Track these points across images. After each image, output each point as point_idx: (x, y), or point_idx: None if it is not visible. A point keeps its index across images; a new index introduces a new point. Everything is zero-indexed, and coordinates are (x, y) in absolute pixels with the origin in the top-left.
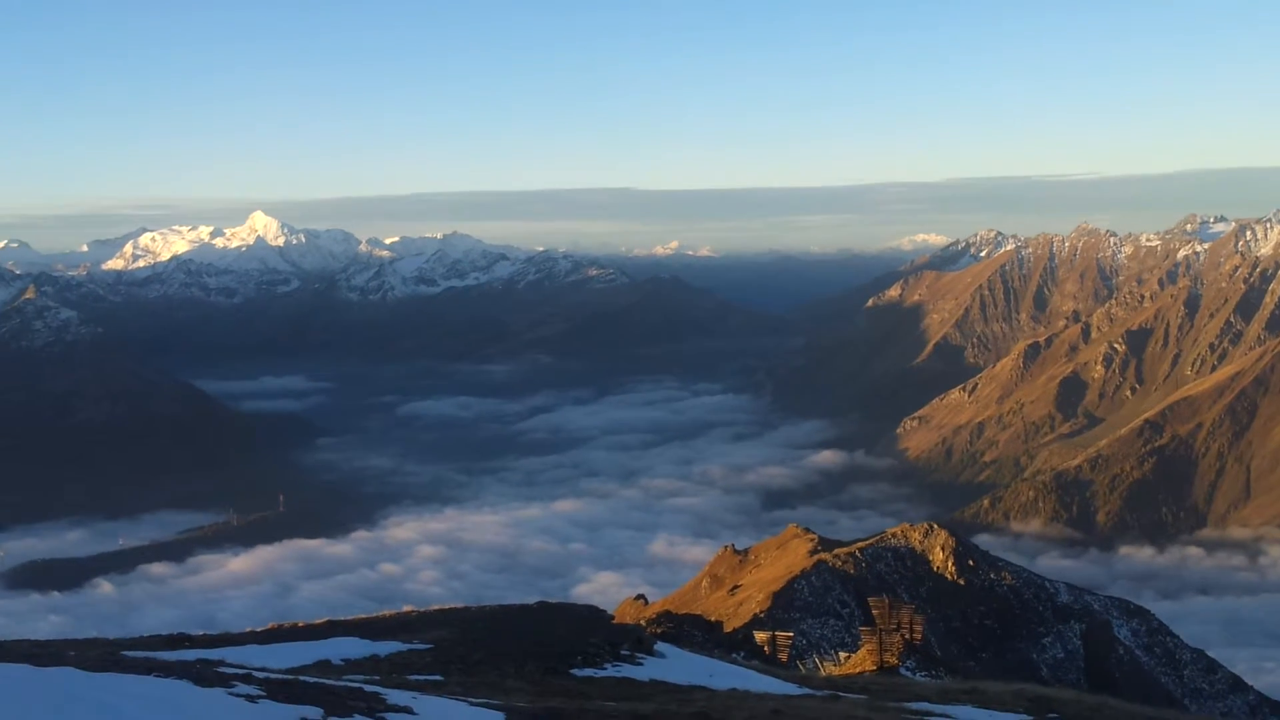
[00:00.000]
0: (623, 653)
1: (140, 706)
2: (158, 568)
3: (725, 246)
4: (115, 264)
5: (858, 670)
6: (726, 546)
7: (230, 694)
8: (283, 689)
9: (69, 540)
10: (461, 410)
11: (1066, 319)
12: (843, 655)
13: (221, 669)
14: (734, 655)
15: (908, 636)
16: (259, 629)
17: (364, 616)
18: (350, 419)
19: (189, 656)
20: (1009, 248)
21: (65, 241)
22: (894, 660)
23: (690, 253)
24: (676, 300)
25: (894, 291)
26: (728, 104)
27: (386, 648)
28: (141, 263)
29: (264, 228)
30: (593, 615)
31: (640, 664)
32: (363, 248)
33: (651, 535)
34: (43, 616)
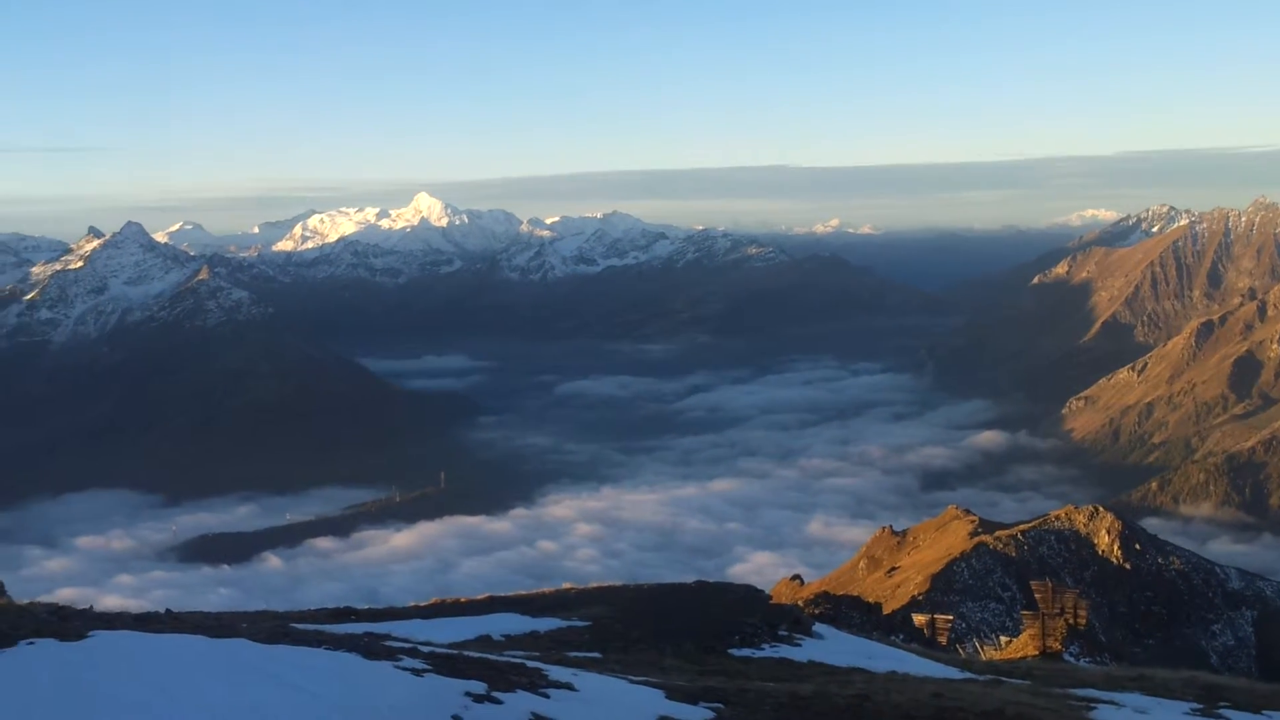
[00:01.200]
0: (780, 633)
1: (311, 678)
2: (323, 542)
3: (886, 224)
4: (285, 245)
5: (1019, 655)
6: (884, 528)
7: (397, 667)
8: (447, 663)
9: (239, 515)
10: (620, 389)
11: (1242, 296)
12: (1003, 639)
13: (388, 643)
14: (892, 637)
15: (1071, 621)
16: (422, 604)
17: (523, 593)
18: (510, 398)
19: (356, 630)
20: (1182, 223)
21: (237, 223)
22: (1057, 645)
23: (850, 230)
24: (836, 279)
25: (1061, 269)
26: (890, 80)
27: (546, 624)
28: (310, 244)
29: (428, 209)
30: (750, 595)
31: (798, 645)
32: (524, 228)
33: (808, 515)
34: (212, 589)
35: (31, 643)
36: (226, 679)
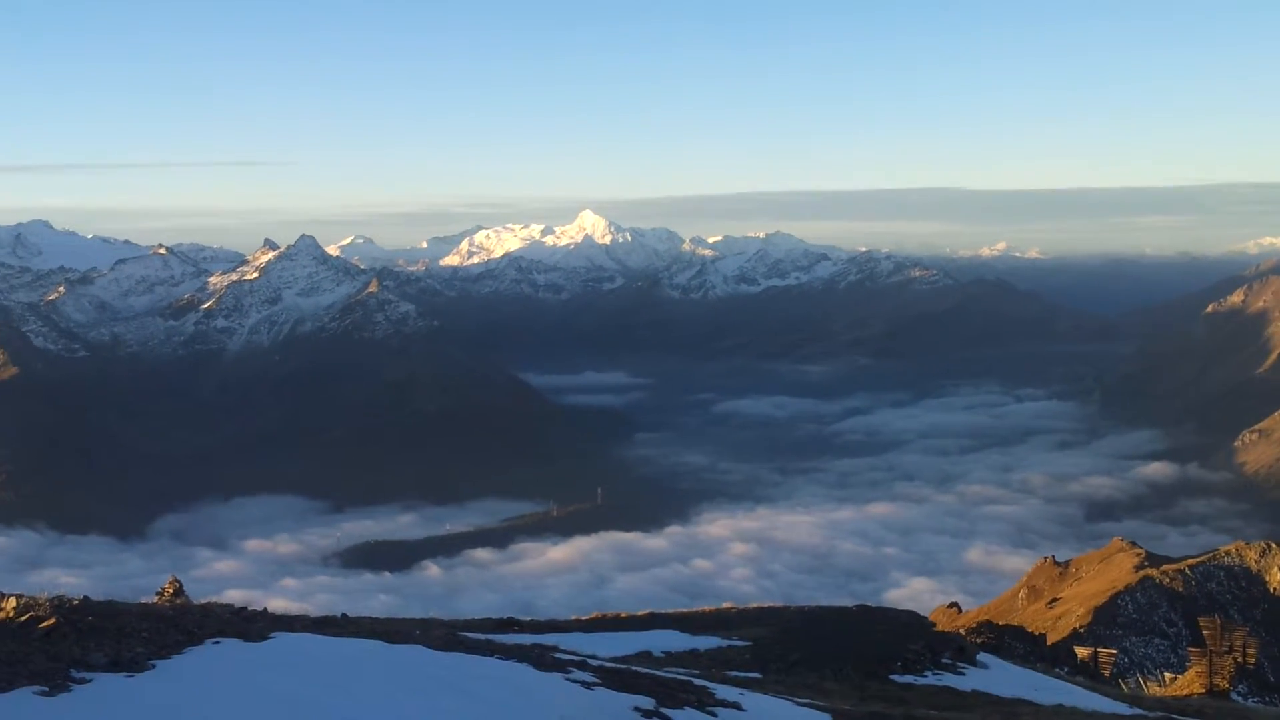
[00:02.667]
0: (944, 661)
1: (485, 686)
2: (481, 553)
3: (1054, 248)
4: (452, 260)
5: (1185, 693)
6: (1046, 558)
7: (567, 679)
8: (616, 677)
9: (400, 523)
10: (777, 410)
11: None
12: (1168, 676)
13: (556, 655)
14: (1056, 670)
15: (1240, 660)
16: (583, 618)
17: (683, 610)
18: (668, 415)
19: (523, 640)
20: None
21: (407, 238)
22: (1225, 684)
23: (1017, 254)
24: (1001, 303)
25: (1236, 297)
26: (1058, 103)
27: (705, 643)
28: (476, 259)
29: (592, 226)
30: (913, 621)
31: (962, 673)
32: (686, 246)
33: (967, 542)
34: (373, 595)
35: (217, 642)
36: (405, 684)
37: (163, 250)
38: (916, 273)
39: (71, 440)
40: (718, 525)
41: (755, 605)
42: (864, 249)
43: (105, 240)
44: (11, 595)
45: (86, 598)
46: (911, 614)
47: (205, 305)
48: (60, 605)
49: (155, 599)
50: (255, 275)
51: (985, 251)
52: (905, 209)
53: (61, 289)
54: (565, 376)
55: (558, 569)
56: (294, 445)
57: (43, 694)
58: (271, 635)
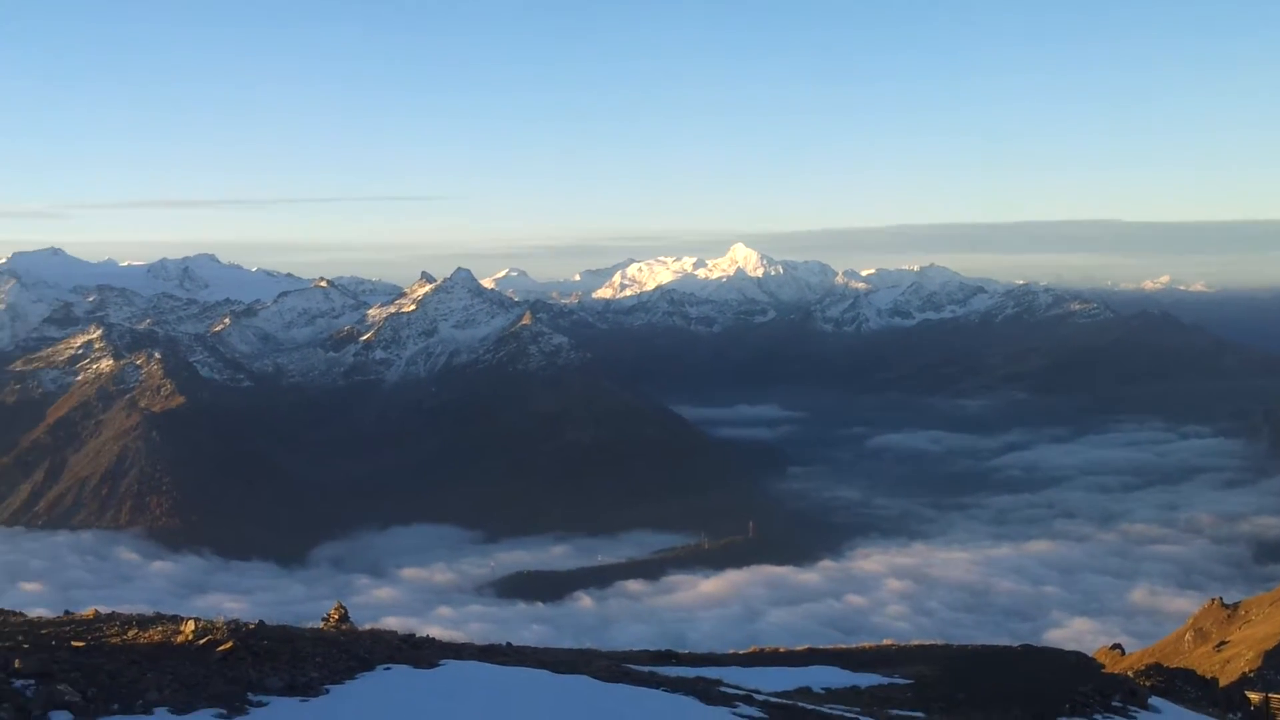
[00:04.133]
0: (1114, 704)
1: (652, 719)
2: (633, 585)
3: (1221, 281)
4: (604, 293)
5: None
6: (1214, 599)
7: (734, 714)
8: (782, 713)
9: (553, 554)
10: (933, 444)
11: None
12: None
13: (722, 688)
14: (1230, 715)
15: None
16: (740, 651)
17: (842, 646)
18: (820, 449)
19: (686, 673)
20: None
21: (560, 271)
22: None
23: (1182, 287)
24: (1165, 337)
25: None
26: (1220, 129)
27: (866, 679)
28: (628, 292)
29: (744, 259)
30: (1081, 663)
31: (1133, 718)
32: (838, 279)
33: (1130, 582)
34: (526, 625)
35: (388, 668)
36: (573, 714)
37: (324, 283)
38: (1076, 306)
39: (235, 468)
40: (872, 560)
41: (916, 642)
42: (1021, 282)
43: (269, 273)
44: (189, 618)
45: (262, 622)
46: (1078, 654)
47: (364, 337)
48: (237, 629)
49: (321, 624)
50: (412, 308)
51: (1148, 284)
52: (1064, 241)
53: (227, 320)
54: (717, 409)
55: (709, 602)
56: (449, 475)
57: (221, 717)
58: (440, 662)
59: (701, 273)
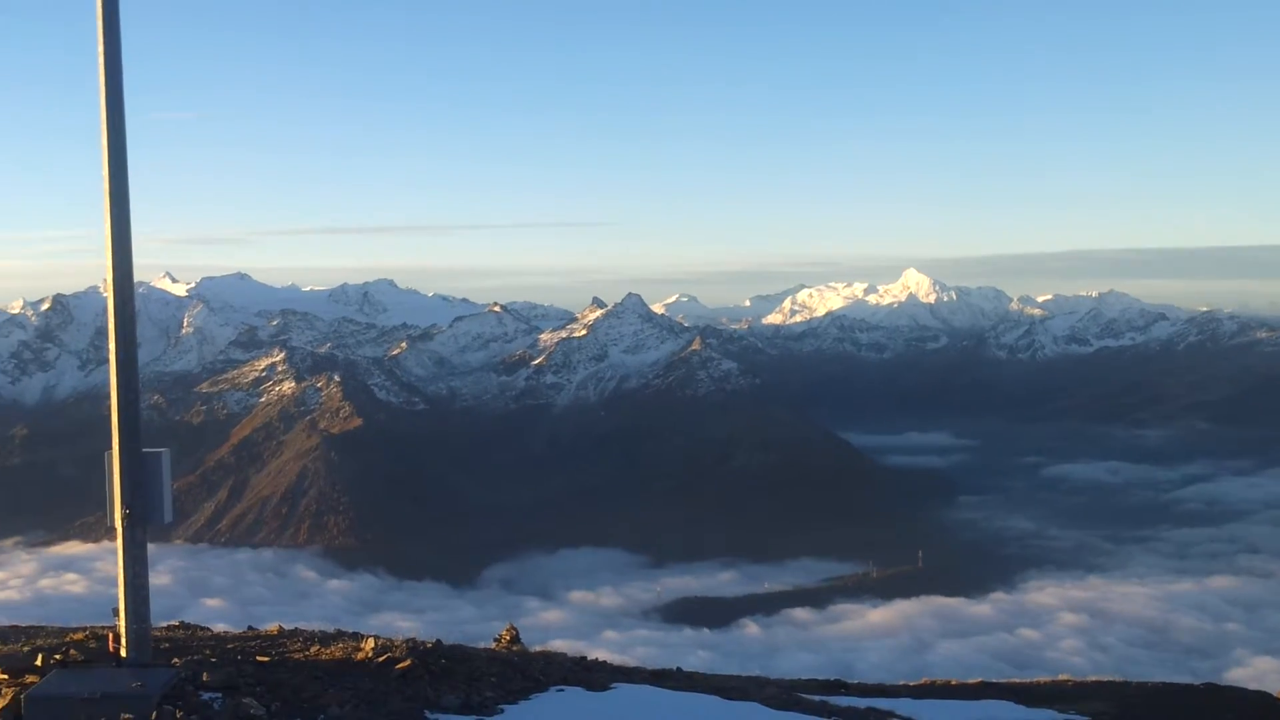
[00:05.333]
0: None
1: None
2: (799, 613)
3: None
4: (774, 319)
5: None
6: None
7: None
8: None
9: (720, 580)
10: (1110, 475)
11: None
12: None
13: (894, 719)
14: None
15: None
16: (911, 683)
17: (1016, 681)
18: (992, 478)
19: (857, 703)
20: None
21: (730, 296)
22: None
23: None
24: None
25: None
26: None
27: (1041, 715)
28: (798, 318)
29: (916, 285)
30: (1265, 703)
31: None
32: (1013, 305)
33: None
34: (692, 651)
35: (561, 689)
36: None
37: (497, 308)
38: (1263, 334)
39: (409, 489)
40: (1046, 593)
41: (1093, 678)
42: (1205, 308)
43: (444, 298)
44: (369, 636)
45: (439, 641)
46: (1263, 695)
47: (536, 361)
48: (415, 647)
49: (493, 645)
50: (583, 333)
51: None
52: (1250, 266)
53: (404, 345)
54: (887, 436)
55: (877, 632)
56: (617, 500)
57: None
58: (613, 685)
59: (872, 299)
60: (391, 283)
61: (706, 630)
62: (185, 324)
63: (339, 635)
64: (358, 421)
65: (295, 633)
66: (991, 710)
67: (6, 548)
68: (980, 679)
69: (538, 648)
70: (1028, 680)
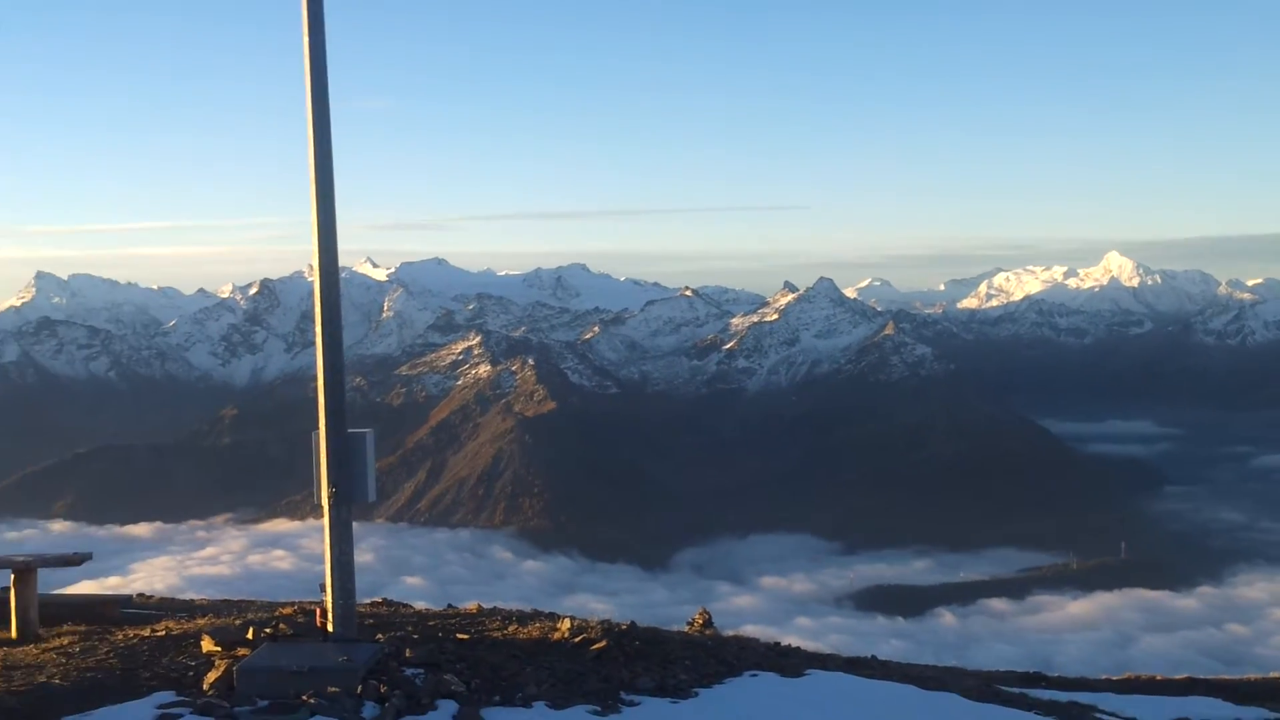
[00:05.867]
0: None
1: None
2: (996, 603)
3: None
4: (969, 303)
5: None
6: None
7: None
8: None
9: (914, 569)
10: None
11: None
12: None
13: (1097, 714)
14: None
15: None
16: (1114, 677)
17: (1225, 677)
18: (1199, 468)
19: (1059, 697)
20: None
21: (924, 280)
22: None
23: None
24: None
25: None
26: None
27: (1252, 714)
28: (994, 302)
29: (1118, 268)
30: None
31: None
32: (1221, 289)
33: None
34: (885, 639)
35: (754, 674)
36: None
37: (689, 292)
38: None
39: (602, 472)
40: (1256, 588)
41: None
42: None
43: (636, 282)
44: (565, 616)
45: (633, 623)
46: None
47: (727, 346)
48: (610, 629)
49: (686, 628)
50: (775, 317)
51: None
52: None
53: (596, 329)
54: (1087, 424)
55: (1077, 624)
56: (809, 485)
57: (595, 713)
58: (806, 672)
59: (1072, 282)
60: (584, 267)
61: (900, 619)
62: (385, 308)
63: (536, 615)
64: (551, 405)
65: (494, 611)
66: (1199, 707)
67: (218, 525)
68: (1186, 675)
69: (730, 632)
70: (1237, 677)
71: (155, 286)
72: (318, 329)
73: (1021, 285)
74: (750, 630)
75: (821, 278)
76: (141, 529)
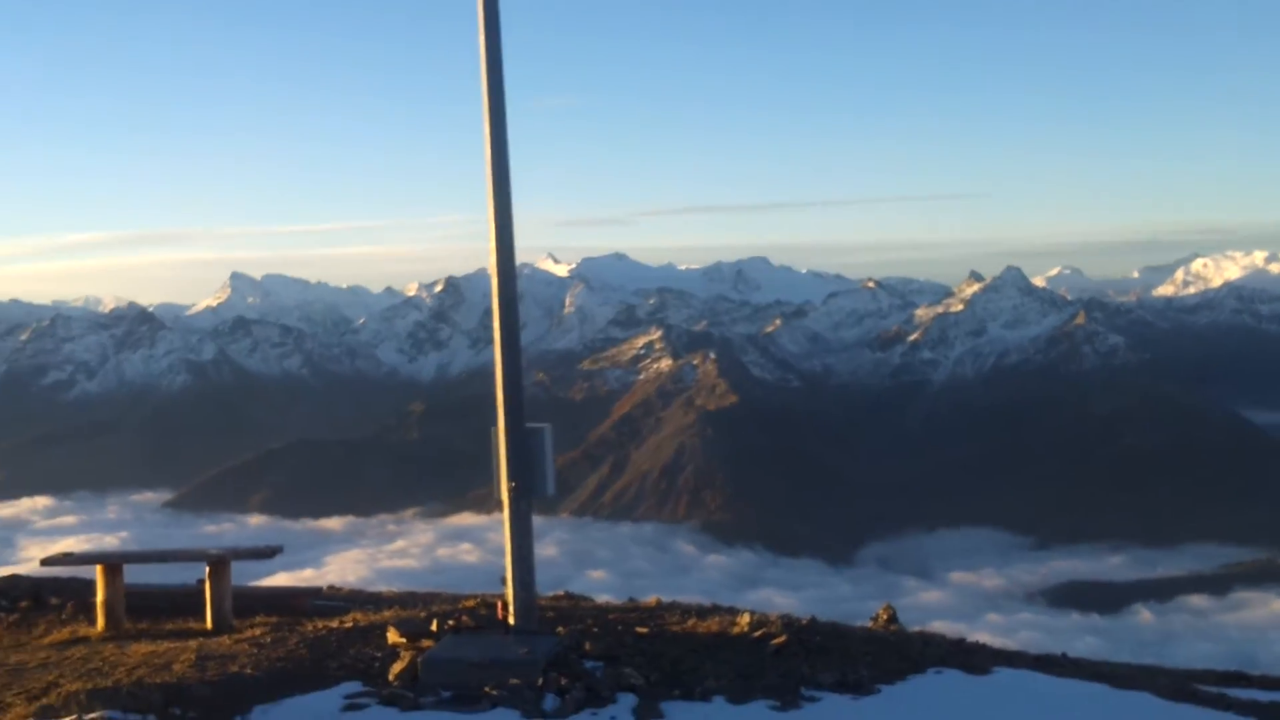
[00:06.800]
0: None
1: None
2: (1197, 600)
3: None
4: (1164, 290)
5: None
6: None
7: None
8: None
9: (1109, 564)
10: None
11: None
12: None
13: None
14: None
15: None
16: None
17: None
18: None
19: (1257, 697)
20: None
21: (1116, 268)
22: None
23: None
24: None
25: None
26: None
27: None
28: (1191, 289)
29: None
30: None
31: None
32: None
33: None
34: (1079, 636)
35: (939, 671)
36: None
37: (872, 284)
38: None
39: (784, 466)
40: None
41: None
42: None
43: (818, 274)
44: (744, 611)
45: (814, 618)
46: None
47: (911, 337)
48: (790, 624)
49: (869, 624)
50: (960, 307)
51: None
52: None
53: (778, 321)
54: None
55: None
56: (997, 479)
57: (775, 708)
58: (993, 669)
59: (1274, 267)
60: (765, 260)
61: (1095, 616)
62: (567, 303)
63: (715, 609)
64: (733, 398)
65: (673, 606)
66: None
67: (406, 518)
68: None
69: (916, 628)
70: None
71: (344, 285)
72: (496, 325)
73: (1220, 271)
74: (938, 627)
75: (1009, 266)
76: (334, 523)
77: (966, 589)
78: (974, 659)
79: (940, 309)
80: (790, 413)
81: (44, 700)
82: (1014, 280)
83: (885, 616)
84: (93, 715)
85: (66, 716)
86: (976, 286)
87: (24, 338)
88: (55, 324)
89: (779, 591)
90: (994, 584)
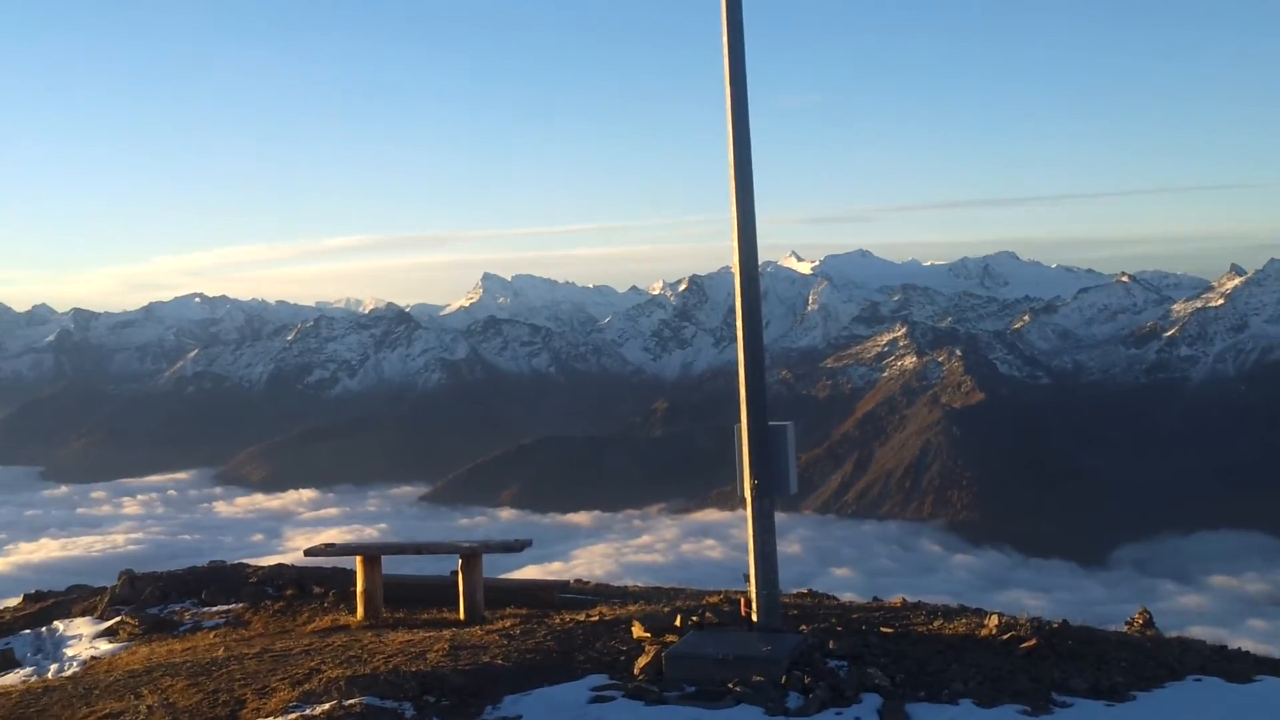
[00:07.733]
0: None
1: None
2: None
3: None
4: None
5: None
6: None
7: None
8: None
9: None
10: None
11: None
12: None
13: None
14: None
15: None
16: None
17: None
18: None
19: None
20: None
21: None
22: None
23: None
24: None
25: None
26: None
27: None
28: None
29: None
30: None
31: None
32: None
33: None
34: None
35: (1198, 678)
36: None
37: (1125, 278)
38: None
39: (1033, 465)
40: None
41: None
42: None
43: (1068, 269)
44: (992, 613)
45: (1065, 621)
46: None
47: (1168, 333)
48: (1040, 627)
49: (1125, 629)
50: (1220, 302)
51: None
52: None
53: (1026, 318)
54: None
55: None
56: (1260, 480)
57: (1025, 713)
58: (1256, 678)
59: None
60: (1013, 255)
61: None
62: (810, 301)
63: (961, 611)
64: (980, 396)
65: (918, 606)
66: None
67: (652, 514)
68: None
69: (1174, 634)
70: None
71: (591, 285)
72: (739, 323)
73: None
74: (1197, 632)
75: (1273, 259)
76: (581, 517)
77: (1228, 593)
78: (1236, 666)
79: (1199, 304)
80: (1039, 411)
81: (306, 686)
82: (1278, 273)
83: (1141, 621)
84: (352, 701)
85: (327, 701)
86: (1238, 280)
87: (290, 338)
88: (319, 324)
89: (1029, 593)
90: (1258, 589)
